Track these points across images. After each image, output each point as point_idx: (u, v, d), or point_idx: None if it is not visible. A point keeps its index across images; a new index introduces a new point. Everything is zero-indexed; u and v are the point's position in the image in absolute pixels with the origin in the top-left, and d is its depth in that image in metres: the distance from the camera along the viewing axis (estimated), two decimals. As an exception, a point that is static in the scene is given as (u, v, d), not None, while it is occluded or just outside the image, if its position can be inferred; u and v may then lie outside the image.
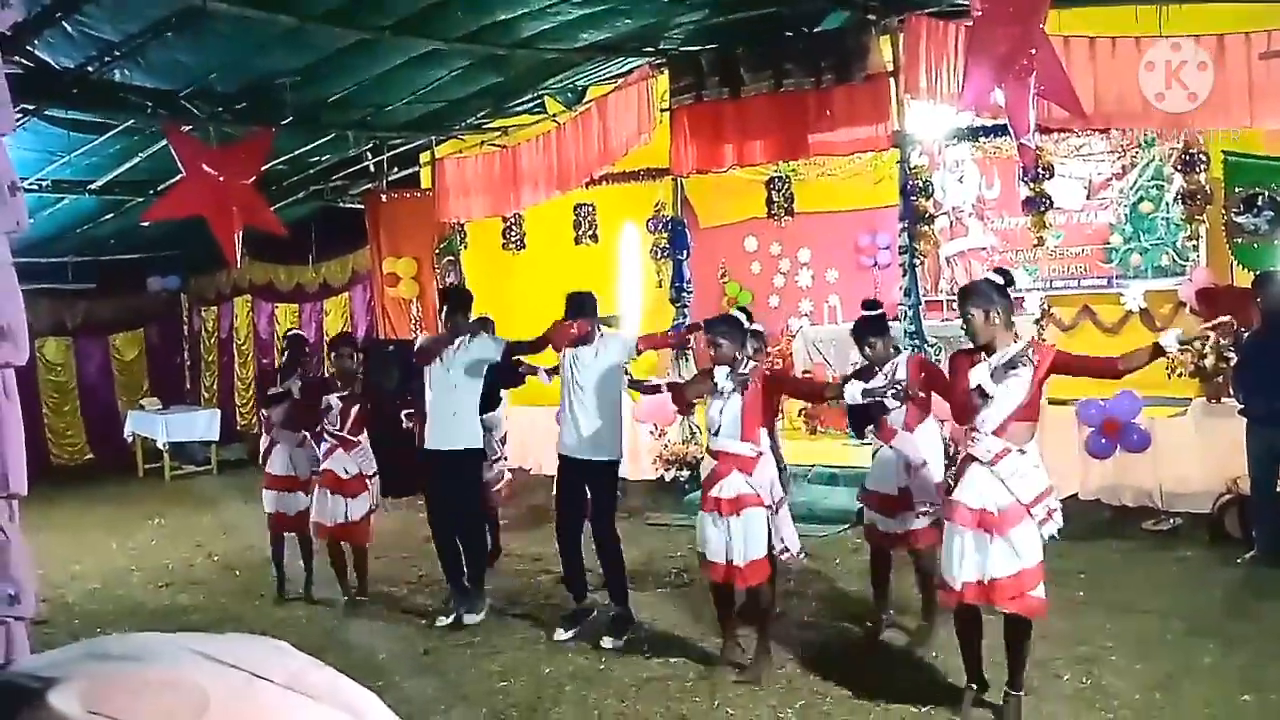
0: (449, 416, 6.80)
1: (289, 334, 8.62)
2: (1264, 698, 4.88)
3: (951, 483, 4.94)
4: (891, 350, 5.95)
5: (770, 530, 5.46)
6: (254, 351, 15.78)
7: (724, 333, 5.54)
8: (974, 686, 4.87)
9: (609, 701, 5.36)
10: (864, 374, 5.81)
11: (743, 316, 5.80)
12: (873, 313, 5.99)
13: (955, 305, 5.05)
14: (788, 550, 5.54)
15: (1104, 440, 8.33)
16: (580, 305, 6.50)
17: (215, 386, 16.36)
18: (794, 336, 12.26)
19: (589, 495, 6.49)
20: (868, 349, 5.89)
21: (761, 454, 5.52)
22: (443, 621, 6.77)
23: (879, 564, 6.21)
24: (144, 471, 14.34)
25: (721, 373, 5.49)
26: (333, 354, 7.49)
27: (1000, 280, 4.75)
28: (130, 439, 14.54)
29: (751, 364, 5.67)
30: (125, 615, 7.52)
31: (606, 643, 6.16)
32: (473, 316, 7.10)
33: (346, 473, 7.18)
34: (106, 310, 15.86)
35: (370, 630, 6.88)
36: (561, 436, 6.60)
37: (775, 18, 9.38)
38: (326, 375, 8.53)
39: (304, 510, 7.55)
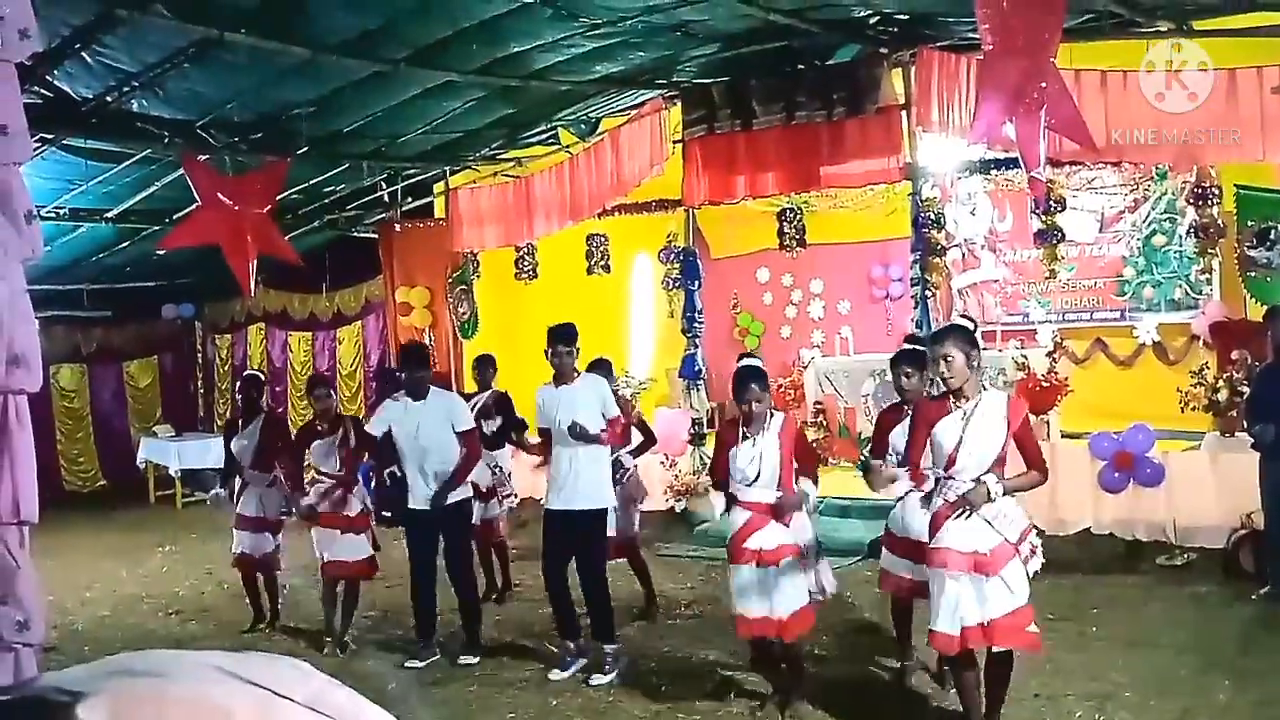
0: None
1: (246, 374, 8.67)
2: (1279, 735, 4.83)
3: (926, 532, 4.83)
4: (925, 388, 5.65)
5: (808, 577, 5.38)
6: (268, 379, 15.80)
7: (765, 386, 5.46)
8: None
9: (617, 734, 5.34)
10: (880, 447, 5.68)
11: (760, 362, 5.67)
12: (911, 346, 5.89)
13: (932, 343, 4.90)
14: (825, 594, 5.48)
15: (1117, 474, 8.28)
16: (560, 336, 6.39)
17: (228, 414, 16.36)
18: (805, 368, 12.23)
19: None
20: (903, 379, 5.68)
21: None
22: (468, 661, 6.66)
23: (903, 613, 5.85)
24: (156, 499, 14.37)
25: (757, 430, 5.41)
26: (311, 396, 7.54)
27: (971, 326, 4.79)
28: (143, 466, 14.55)
29: (779, 414, 5.53)
30: (135, 643, 7.50)
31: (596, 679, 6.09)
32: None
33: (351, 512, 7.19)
34: (121, 337, 15.94)
35: (379, 660, 6.85)
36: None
37: (787, 51, 9.44)
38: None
39: (270, 552, 7.72)
